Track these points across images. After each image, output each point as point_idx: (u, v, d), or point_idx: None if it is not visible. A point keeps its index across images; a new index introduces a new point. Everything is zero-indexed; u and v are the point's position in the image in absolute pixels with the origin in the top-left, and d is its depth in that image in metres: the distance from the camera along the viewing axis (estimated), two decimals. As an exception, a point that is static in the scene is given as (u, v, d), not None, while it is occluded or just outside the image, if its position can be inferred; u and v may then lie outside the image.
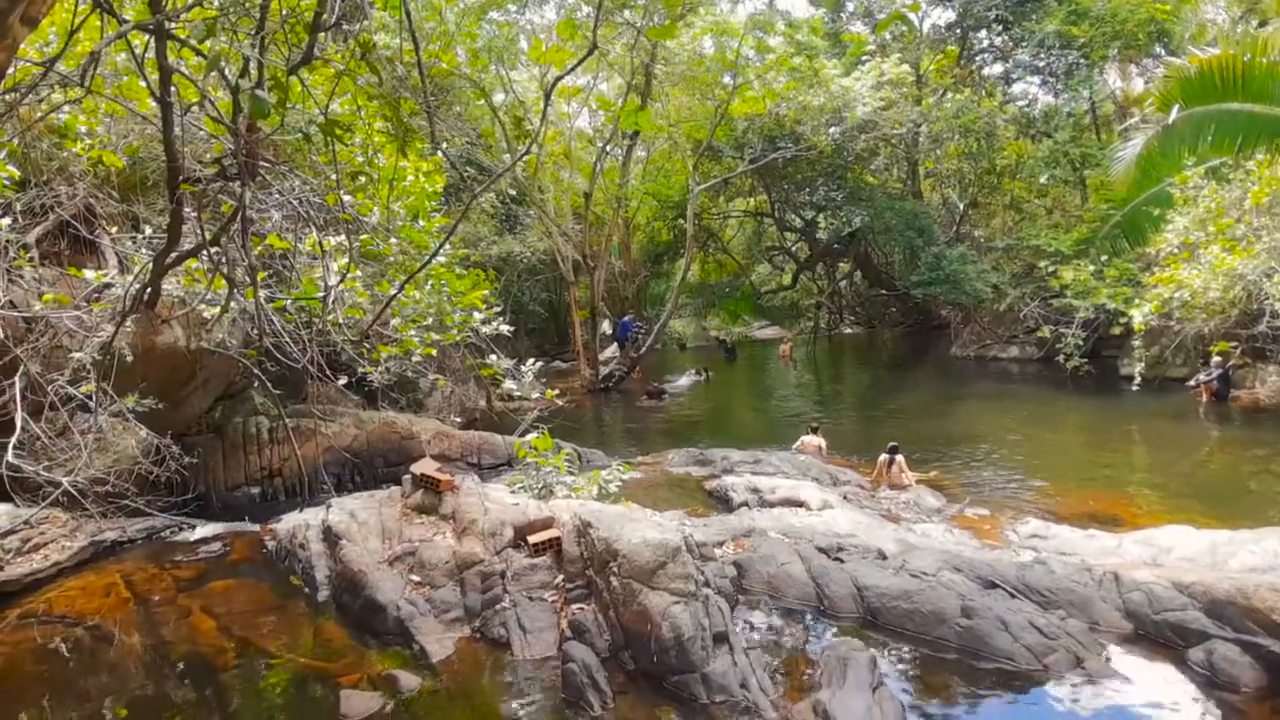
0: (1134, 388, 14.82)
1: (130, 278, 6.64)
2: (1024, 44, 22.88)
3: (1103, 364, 17.88)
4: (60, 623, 6.51)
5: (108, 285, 7.29)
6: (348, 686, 5.29)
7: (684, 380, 22.06)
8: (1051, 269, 17.68)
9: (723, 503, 9.67)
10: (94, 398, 6.18)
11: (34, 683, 5.63)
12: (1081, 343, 16.68)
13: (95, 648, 6.14)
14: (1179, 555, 6.94)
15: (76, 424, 7.28)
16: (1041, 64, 23.25)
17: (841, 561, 6.78)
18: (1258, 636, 5.34)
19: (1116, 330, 15.50)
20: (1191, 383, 14.96)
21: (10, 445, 6.25)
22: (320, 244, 6.42)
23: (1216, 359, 14.39)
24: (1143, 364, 14.84)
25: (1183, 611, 5.68)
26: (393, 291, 6.22)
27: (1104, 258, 16.50)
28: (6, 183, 6.05)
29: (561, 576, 6.30)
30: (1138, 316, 13.55)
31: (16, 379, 6.73)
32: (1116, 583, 6.11)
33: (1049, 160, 21.74)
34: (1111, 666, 5.36)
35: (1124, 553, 7.24)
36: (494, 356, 7.93)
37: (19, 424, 6.44)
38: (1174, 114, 10.27)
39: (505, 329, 7.67)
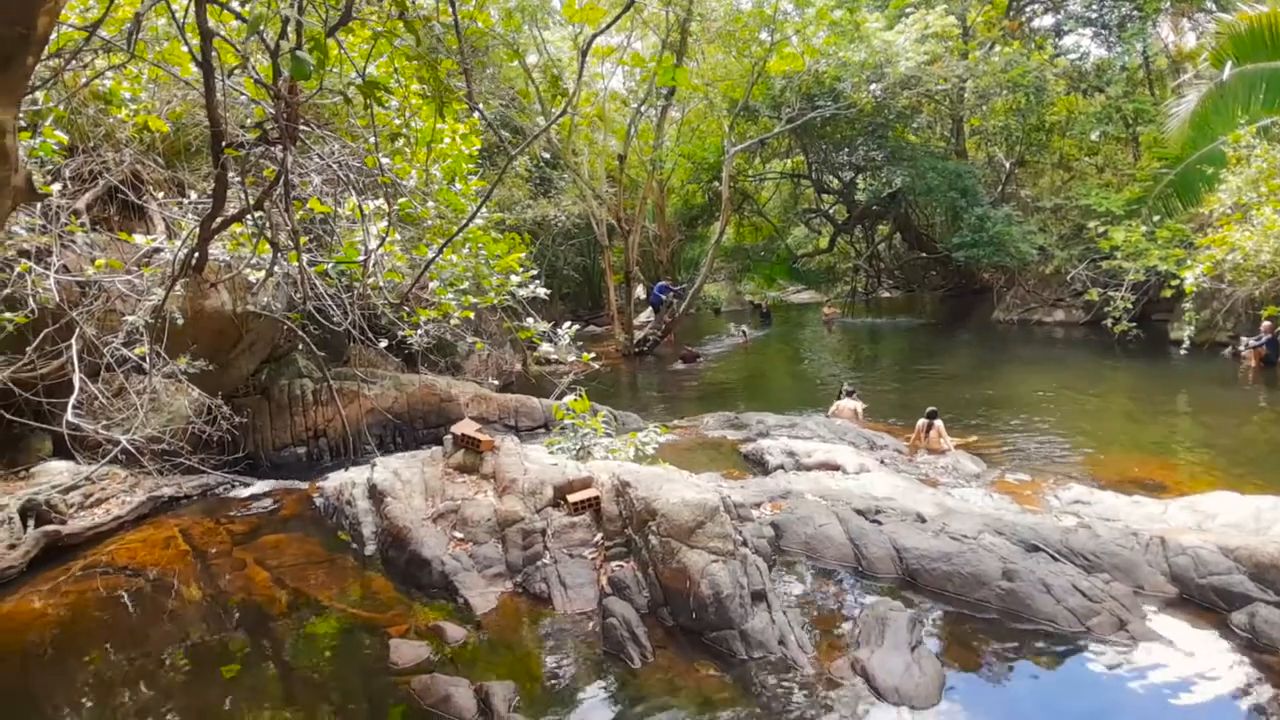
0: (1182, 352, 14.38)
1: (178, 242, 6.79)
2: (1077, -7, 21.87)
3: (1151, 328, 17.34)
4: (122, 573, 6.83)
5: (157, 250, 7.48)
6: (396, 636, 5.47)
7: (727, 339, 22.28)
8: (1101, 230, 17.07)
9: (758, 466, 9.69)
10: (148, 359, 6.38)
11: (98, 630, 5.93)
12: (1130, 306, 16.17)
13: (155, 597, 6.44)
14: (1224, 521, 6.80)
15: (132, 385, 7.54)
16: (1094, 15, 22.18)
17: (879, 524, 6.77)
18: None
19: (1167, 293, 14.95)
20: (1240, 348, 14.48)
21: (70, 405, 6.51)
22: (360, 208, 6.49)
23: (1266, 323, 13.89)
24: (1192, 327, 14.36)
25: (1228, 575, 5.60)
26: (431, 255, 6.27)
27: (1156, 218, 15.87)
28: (55, 149, 6.19)
29: (600, 535, 6.40)
30: (1189, 278, 13.03)
31: (73, 341, 6.98)
32: (1163, 547, 6.02)
33: (1101, 116, 20.88)
34: (1154, 629, 5.31)
35: (1169, 519, 7.11)
36: (530, 320, 7.98)
37: (77, 385, 6.69)
38: (1227, 70, 9.80)
39: (541, 292, 7.69)
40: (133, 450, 6.67)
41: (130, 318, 7.13)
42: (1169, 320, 17.04)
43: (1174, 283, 13.98)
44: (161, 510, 8.26)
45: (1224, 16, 11.82)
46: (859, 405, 12.06)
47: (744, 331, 22.97)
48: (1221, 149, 12.48)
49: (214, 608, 6.22)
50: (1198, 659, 5.00)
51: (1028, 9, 24.55)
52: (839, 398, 12.29)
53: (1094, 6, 21.88)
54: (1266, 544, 5.77)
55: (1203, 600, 5.62)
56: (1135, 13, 20.47)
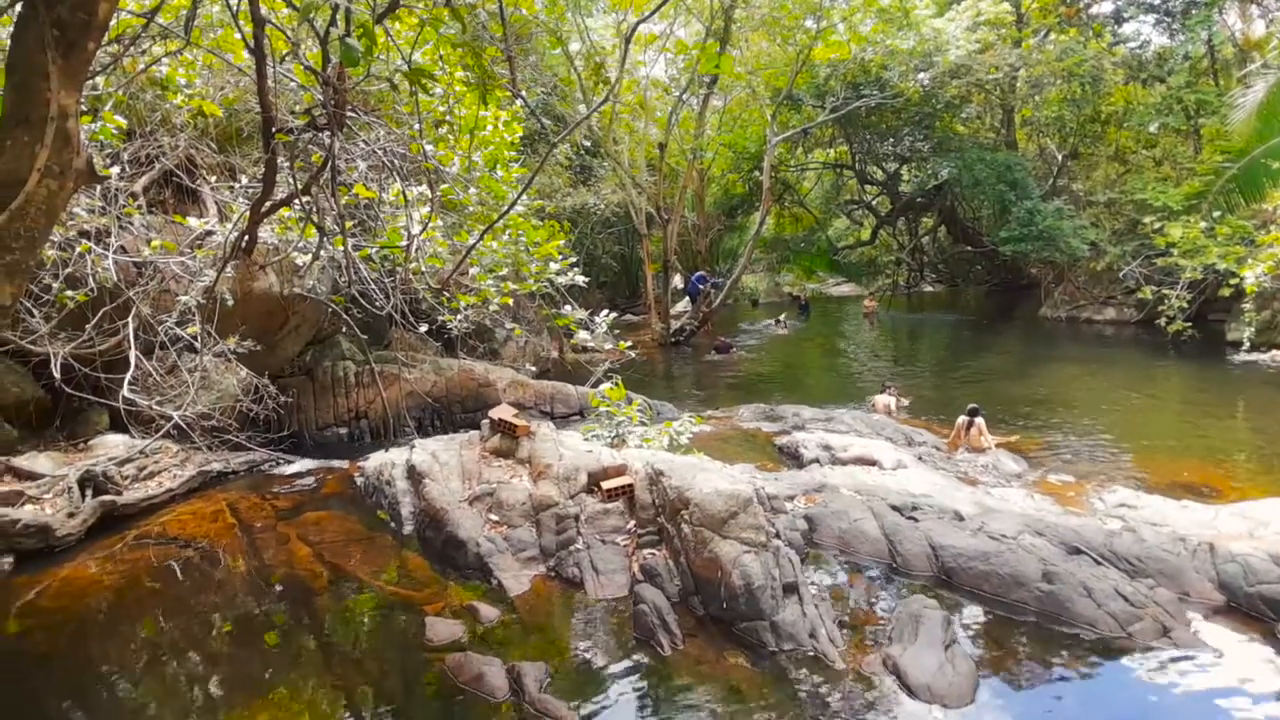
0: (1241, 354, 13.86)
1: (229, 225, 6.99)
2: (1139, -22, 21.04)
3: (1207, 328, 16.72)
4: (173, 544, 7.09)
5: (209, 232, 7.70)
6: (432, 614, 5.59)
7: (766, 329, 22.57)
8: (1158, 225, 16.50)
9: (793, 458, 9.62)
10: (199, 339, 6.59)
11: (149, 597, 6.17)
12: (1186, 305, 15.62)
13: (203, 568, 6.67)
14: (1277, 529, 6.55)
15: (184, 363, 7.81)
16: (1157, 1, 21.34)
17: (916, 520, 6.68)
18: None
19: (1226, 292, 14.40)
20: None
21: (126, 381, 6.77)
22: (404, 193, 6.59)
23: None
24: (1252, 328, 13.81)
25: (1278, 584, 5.40)
26: (472, 241, 6.34)
27: (1216, 214, 15.26)
28: (114, 132, 6.40)
29: (633, 522, 6.44)
30: (1250, 277, 12.54)
31: (130, 319, 7.25)
32: (1211, 553, 5.83)
33: (1161, 107, 20.11)
34: (1199, 637, 5.15)
35: (1219, 525, 6.87)
36: (568, 307, 8.03)
37: (133, 361, 6.95)
38: (1299, 59, 9.35)
39: (580, 280, 7.73)
40: (184, 426, 6.92)
41: (183, 298, 7.38)
42: (1226, 320, 16.41)
43: (1233, 281, 13.49)
44: (210, 484, 8.54)
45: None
46: (893, 400, 11.92)
47: (784, 322, 22.97)
48: (1289, 142, 11.96)
49: (258, 580, 6.43)
50: (1244, 669, 4.84)
51: (1086, -5, 23.73)
52: (881, 394, 12.16)
53: (1157, -8, 21.05)
54: (1322, 553, 5.56)
55: (1251, 609, 5.43)
56: (1200, -1, 19.64)
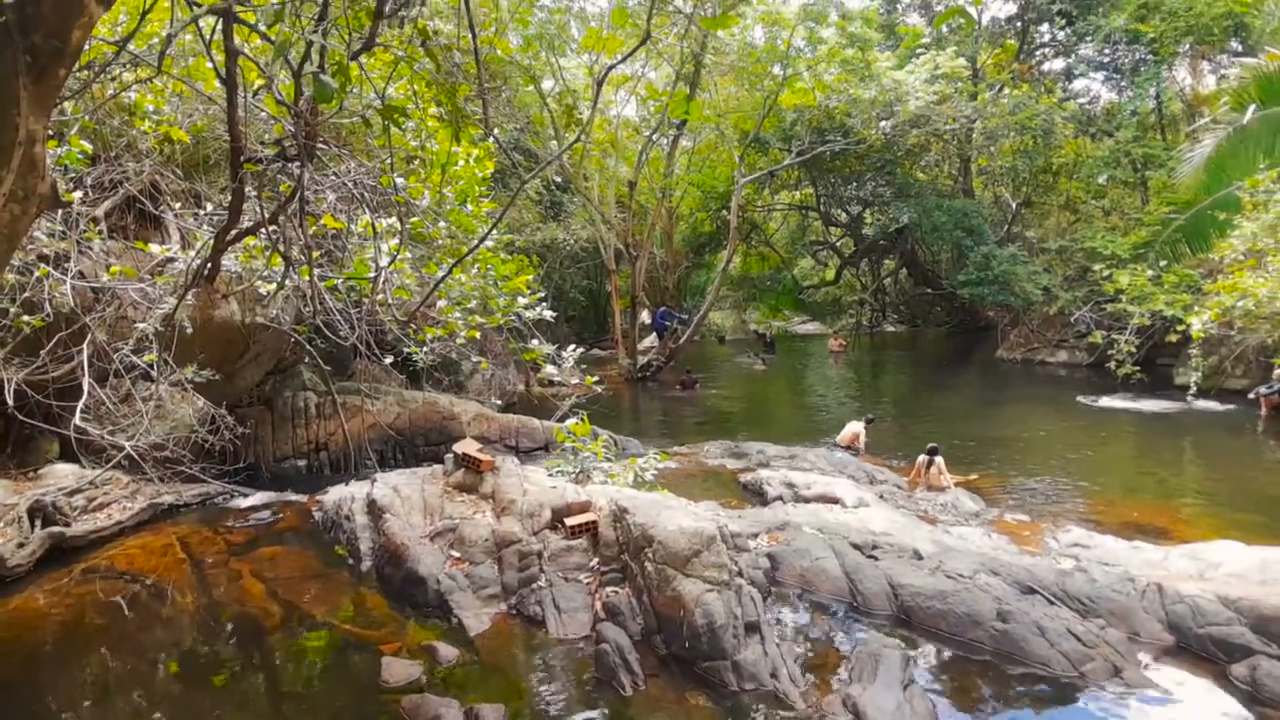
0: (1189, 398, 14.35)
1: (192, 253, 6.90)
2: (1088, 39, 22.15)
3: (1156, 372, 17.32)
4: (120, 578, 6.85)
5: (171, 259, 7.57)
6: (388, 654, 5.46)
7: (743, 364, 23.35)
8: (1106, 273, 17.15)
9: (757, 496, 9.68)
10: (155, 367, 6.45)
11: (95, 633, 5.94)
12: (1135, 349, 16.19)
13: (151, 604, 6.45)
14: (1227, 571, 6.74)
15: (139, 391, 7.62)
16: (1106, 60, 22.50)
17: (876, 559, 6.75)
18: None
19: (1173, 338, 14.97)
20: (1251, 395, 14.43)
21: (78, 409, 6.57)
22: (373, 225, 6.59)
23: (1278, 371, 13.85)
24: (1199, 373, 14.34)
25: (1228, 626, 5.54)
26: (441, 274, 6.35)
27: (1163, 263, 15.94)
28: (79, 157, 6.31)
29: (597, 559, 6.40)
30: (1197, 324, 13.05)
31: (84, 346, 7.06)
32: (1160, 594, 5.99)
33: (1109, 160, 21.06)
34: (1150, 678, 5.26)
35: (1169, 566, 7.06)
36: (535, 341, 8.05)
37: (86, 389, 6.76)
38: (1249, 114, 9.88)
39: (547, 314, 7.76)
40: (136, 456, 6.73)
41: (141, 325, 7.22)
42: (1175, 365, 17.02)
43: (1180, 328, 14.01)
44: (161, 517, 8.29)
45: (1249, 61, 11.95)
46: (863, 430, 12.14)
47: (763, 358, 23.67)
48: (1236, 194, 12.56)
49: (208, 618, 6.23)
50: (1195, 711, 4.95)
51: (1038, 52, 24.91)
52: (856, 422, 12.44)
53: (1106, 51, 22.16)
54: (1270, 595, 5.71)
55: (1201, 650, 5.56)
56: (1150, 57, 20.70)
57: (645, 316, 23.85)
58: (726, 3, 15.23)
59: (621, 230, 20.31)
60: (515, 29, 15.54)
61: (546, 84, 18.84)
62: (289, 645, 5.82)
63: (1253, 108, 9.71)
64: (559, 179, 20.68)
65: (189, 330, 7.64)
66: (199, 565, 7.18)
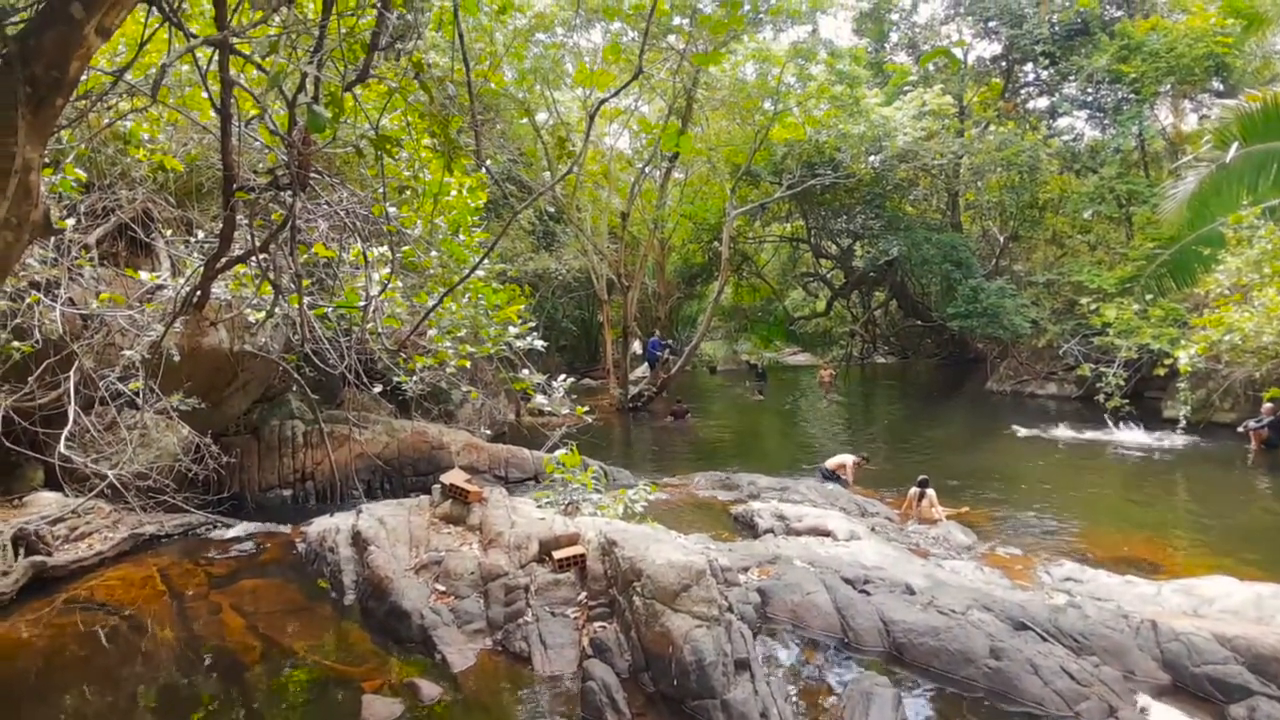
0: (1178, 431, 14.41)
1: (182, 280, 6.87)
2: (1071, 78, 22.64)
3: (1145, 405, 17.41)
4: (100, 610, 6.70)
5: (160, 287, 7.55)
6: (369, 691, 5.34)
7: (748, 392, 23.97)
8: (1093, 306, 17.33)
9: (748, 528, 9.60)
10: (141, 395, 6.39)
11: (74, 666, 5.80)
12: (1123, 382, 16.29)
13: (131, 637, 6.30)
14: (1221, 607, 6.70)
15: (124, 419, 7.53)
16: (1089, 99, 22.97)
17: (868, 594, 6.68)
18: None
19: (1160, 371, 15.11)
20: (1240, 429, 14.51)
21: (63, 436, 6.49)
22: (364, 254, 6.59)
23: (1268, 405, 13.94)
24: (1188, 407, 14.43)
25: (1224, 665, 5.48)
26: (432, 303, 6.34)
27: (1149, 297, 16.11)
28: (73, 185, 6.31)
29: (584, 594, 6.30)
30: (1184, 358, 13.18)
31: (71, 373, 7.00)
32: (1154, 631, 5.93)
33: (1094, 196, 21.40)
34: (1147, 717, 5.18)
35: (1163, 601, 7.01)
36: (526, 371, 8.02)
37: (71, 416, 6.68)
38: (1232, 152, 10.06)
39: (539, 344, 7.75)
40: (119, 485, 6.63)
41: (128, 352, 7.17)
42: (1163, 398, 17.12)
43: (1168, 362, 14.15)
44: (143, 548, 8.14)
45: (1229, 102, 12.21)
46: (850, 461, 12.11)
47: (758, 389, 23.99)
48: (1220, 230, 12.74)
49: (186, 652, 6.08)
50: (1191, 752, 4.87)
51: (1023, 91, 25.44)
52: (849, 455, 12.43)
53: (1089, 90, 22.65)
54: (1267, 634, 5.63)
55: (1197, 690, 5.47)
56: (1131, 96, 21.16)
57: (637, 346, 23.89)
58: (718, 40, 15.51)
59: (614, 261, 20.42)
60: (510, 63, 15.77)
61: (540, 116, 19.08)
62: (269, 681, 5.68)
63: (1235, 145, 9.89)
64: (552, 209, 20.84)
65: (176, 358, 7.59)
66: (179, 598, 7.03)
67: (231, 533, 8.70)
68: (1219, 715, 5.22)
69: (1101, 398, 16.28)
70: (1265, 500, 11.55)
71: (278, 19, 4.10)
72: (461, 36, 4.80)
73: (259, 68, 4.39)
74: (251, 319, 8.21)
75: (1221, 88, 20.62)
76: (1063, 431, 15.97)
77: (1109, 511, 10.89)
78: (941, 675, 5.71)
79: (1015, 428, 16.18)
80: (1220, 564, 8.18)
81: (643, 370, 23.78)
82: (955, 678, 5.65)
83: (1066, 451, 14.73)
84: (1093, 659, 5.70)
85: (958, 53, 24.92)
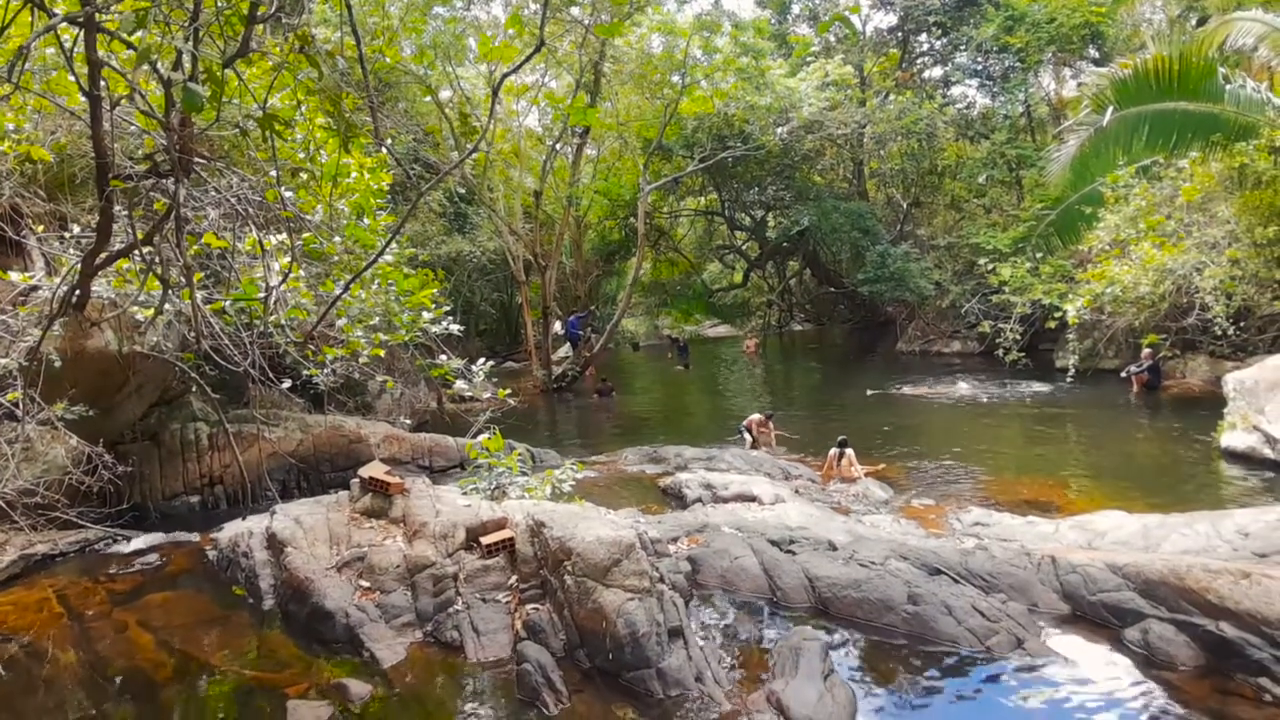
0: (1069, 380, 15.41)
1: (58, 279, 6.35)
2: (962, 48, 23.58)
3: (1040, 357, 18.55)
4: (-13, 641, 6.20)
5: (34, 288, 6.96)
6: (295, 697, 5.15)
7: (668, 367, 24.50)
8: (990, 266, 18.25)
9: (677, 499, 9.73)
10: (20, 406, 5.89)
11: (-42, 705, 5.35)
12: (1019, 337, 17.28)
13: (28, 665, 5.86)
14: (1113, 539, 7.22)
15: (2, 433, 6.94)
16: (979, 68, 23.99)
17: (793, 554, 6.89)
18: (1193, 616, 5.43)
19: (1051, 324, 16.07)
20: (1123, 374, 15.62)
21: (-72, 457, 5.93)
22: (260, 243, 6.24)
23: (1146, 350, 15.06)
24: (1076, 357, 15.43)
25: (1118, 592, 5.90)
26: (338, 291, 6.07)
27: (1039, 255, 17.10)
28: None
29: (515, 577, 6.25)
30: (1071, 311, 14.06)
31: (-66, 387, 6.38)
32: (1054, 566, 6.35)
33: (986, 161, 22.49)
34: (1050, 647, 5.56)
35: (1061, 538, 7.52)
36: (444, 357, 7.82)
37: (-63, 434, 6.11)
38: (1108, 116, 10.70)
39: (456, 329, 7.55)
40: (2, 505, 6.13)
41: (2, 360, 6.59)
42: (1055, 349, 18.25)
43: (1057, 315, 15.08)
44: (35, 570, 7.57)
45: (1102, 70, 12.96)
46: (756, 417, 12.98)
47: (684, 363, 24.32)
48: (1100, 190, 13.59)
49: (93, 676, 5.71)
50: (1095, 675, 5.22)
51: (919, 61, 26.32)
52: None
53: (979, 60, 23.65)
54: (1154, 561, 6.06)
55: (1095, 617, 5.88)
56: (1018, 64, 22.23)
57: (558, 327, 23.71)
58: (620, 11, 15.35)
59: (529, 241, 20.11)
60: (408, 38, 15.17)
61: (444, 94, 18.47)
62: (185, 698, 5.40)
63: (1110, 109, 10.52)
64: (462, 190, 20.29)
65: (58, 363, 7.04)
66: (79, 619, 6.58)
67: (134, 545, 8.19)
68: (1115, 639, 5.63)
69: (1000, 352, 17.23)
70: (1148, 438, 12.53)
71: (145, -10, 3.80)
72: (350, 8, 4.56)
73: (128, 45, 4.05)
74: (140, 317, 7.68)
75: (1097, 55, 21.92)
76: (910, 390, 17.28)
77: (1011, 458, 11.57)
78: (865, 624, 5.97)
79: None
80: (1111, 500, 8.83)
81: (566, 350, 23.63)
82: (878, 625, 5.92)
83: (967, 405, 15.54)
84: (1000, 596, 6.07)
85: (856, 21, 25.52)
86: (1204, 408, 12.75)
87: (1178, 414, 13.57)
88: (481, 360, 8.76)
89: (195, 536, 8.34)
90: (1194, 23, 18.15)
